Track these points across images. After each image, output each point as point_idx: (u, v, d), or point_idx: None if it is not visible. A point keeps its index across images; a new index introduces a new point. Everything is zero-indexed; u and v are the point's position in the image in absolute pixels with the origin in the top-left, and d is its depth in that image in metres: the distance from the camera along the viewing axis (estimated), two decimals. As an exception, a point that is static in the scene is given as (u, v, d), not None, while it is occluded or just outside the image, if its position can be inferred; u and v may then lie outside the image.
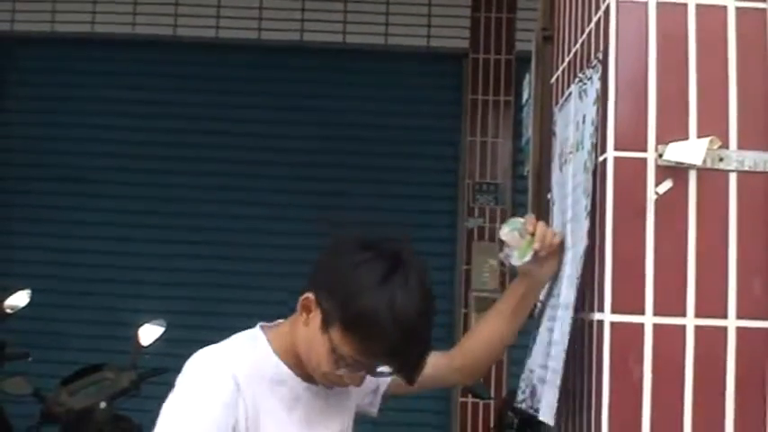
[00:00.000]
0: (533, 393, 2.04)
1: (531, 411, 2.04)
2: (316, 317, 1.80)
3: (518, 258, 1.96)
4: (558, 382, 1.84)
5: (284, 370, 1.87)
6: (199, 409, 1.75)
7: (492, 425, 5.06)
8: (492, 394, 5.26)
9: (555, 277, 2.01)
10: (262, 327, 1.95)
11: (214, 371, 1.80)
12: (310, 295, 1.82)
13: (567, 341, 1.80)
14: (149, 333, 4.45)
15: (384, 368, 1.81)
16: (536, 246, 1.93)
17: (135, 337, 4.42)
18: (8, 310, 4.72)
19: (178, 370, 1.81)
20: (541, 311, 2.12)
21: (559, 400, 1.81)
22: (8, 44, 6.29)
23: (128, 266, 6.04)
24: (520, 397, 2.13)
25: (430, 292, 1.79)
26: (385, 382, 2.10)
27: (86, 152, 6.15)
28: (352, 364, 1.78)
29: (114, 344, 5.16)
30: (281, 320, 1.96)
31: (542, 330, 2.07)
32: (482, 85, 6.03)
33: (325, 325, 1.78)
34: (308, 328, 1.82)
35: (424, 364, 1.80)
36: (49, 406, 4.25)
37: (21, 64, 6.34)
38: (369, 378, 1.95)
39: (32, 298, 4.79)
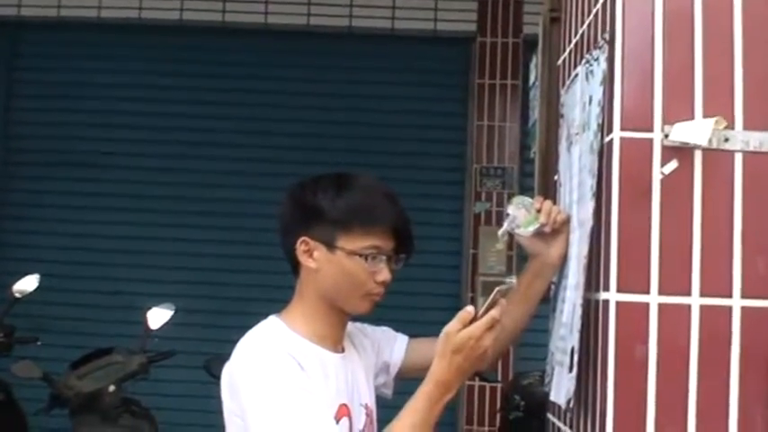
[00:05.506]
0: (552, 374, 2.06)
1: (549, 392, 2.07)
2: (318, 249, 1.92)
3: (523, 227, 2.00)
4: (568, 362, 1.85)
5: (311, 346, 1.92)
6: (289, 383, 1.79)
7: (499, 407, 5.08)
8: (499, 377, 5.28)
9: (565, 259, 2.03)
10: (275, 316, 1.98)
11: (273, 354, 1.83)
12: (302, 238, 1.93)
13: (579, 322, 1.81)
14: (158, 317, 4.46)
15: (390, 244, 1.95)
16: (542, 219, 1.98)
17: (144, 321, 4.43)
18: (17, 295, 4.73)
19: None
20: (555, 293, 2.14)
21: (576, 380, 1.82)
22: (15, 30, 6.30)
23: (136, 251, 6.05)
24: (546, 379, 2.16)
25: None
26: (397, 362, 2.15)
27: (95, 137, 6.15)
28: (373, 254, 1.91)
29: (123, 328, 5.18)
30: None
31: (557, 312, 2.09)
32: (489, 69, 6.01)
33: (332, 245, 1.90)
34: (319, 271, 1.92)
35: (411, 231, 2.01)
36: (59, 389, 4.27)
37: (28, 49, 6.35)
38: (380, 354, 2.10)
39: (41, 282, 4.80)
